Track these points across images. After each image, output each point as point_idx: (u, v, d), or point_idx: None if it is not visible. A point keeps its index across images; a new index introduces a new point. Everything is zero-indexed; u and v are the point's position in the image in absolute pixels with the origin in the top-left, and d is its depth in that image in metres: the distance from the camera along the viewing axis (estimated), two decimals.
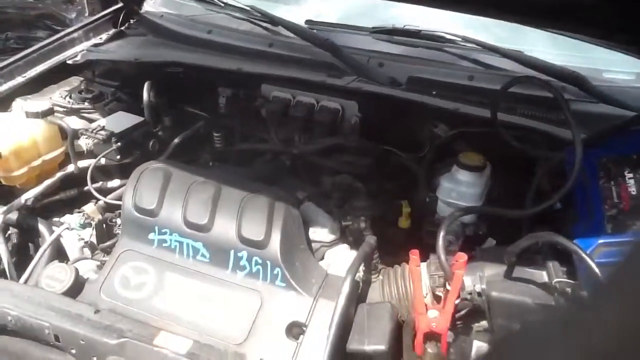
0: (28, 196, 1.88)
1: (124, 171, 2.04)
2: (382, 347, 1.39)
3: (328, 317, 1.45)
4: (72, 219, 1.79)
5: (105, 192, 1.98)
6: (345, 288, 1.45)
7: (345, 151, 2.00)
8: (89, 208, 1.85)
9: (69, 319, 1.48)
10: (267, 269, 1.56)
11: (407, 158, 1.97)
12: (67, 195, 1.99)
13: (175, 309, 1.56)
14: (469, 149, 1.87)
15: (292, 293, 1.53)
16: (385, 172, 2.01)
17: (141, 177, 1.76)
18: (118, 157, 1.95)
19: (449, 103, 1.91)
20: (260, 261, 1.57)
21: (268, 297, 1.53)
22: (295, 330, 1.49)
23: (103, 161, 2.00)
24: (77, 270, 1.62)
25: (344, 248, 1.72)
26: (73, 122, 2.05)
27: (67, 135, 1.96)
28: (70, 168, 2.00)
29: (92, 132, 1.92)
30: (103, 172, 2.08)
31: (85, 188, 1.93)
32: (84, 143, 1.92)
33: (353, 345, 1.42)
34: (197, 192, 1.70)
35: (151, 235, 1.67)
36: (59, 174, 1.98)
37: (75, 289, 1.60)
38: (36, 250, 1.83)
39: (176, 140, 2.09)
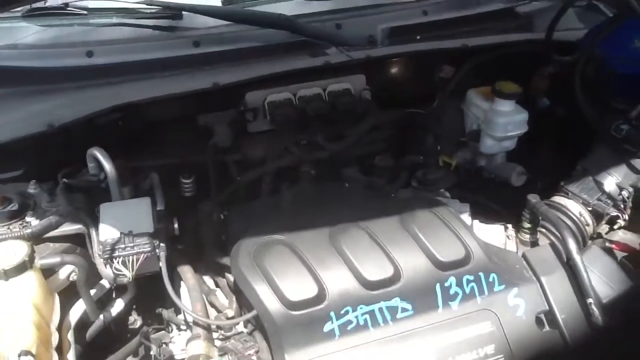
0: None
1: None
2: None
3: (565, 290, 1.36)
4: None
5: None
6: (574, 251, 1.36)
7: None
8: (196, 347, 1.23)
9: None
10: (481, 282, 1.33)
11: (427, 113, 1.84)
12: None
13: None
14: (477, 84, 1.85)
15: (515, 290, 1.35)
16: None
17: (264, 264, 1.26)
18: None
19: (453, 42, 1.82)
20: (472, 278, 1.33)
21: (499, 309, 1.32)
22: (546, 319, 1.35)
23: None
24: None
25: (480, 224, 1.58)
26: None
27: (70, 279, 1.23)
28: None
29: (124, 252, 1.23)
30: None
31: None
32: (119, 275, 1.22)
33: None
34: (350, 245, 1.31)
35: (328, 326, 1.23)
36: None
37: None
38: None
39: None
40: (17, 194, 1.39)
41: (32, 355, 1.01)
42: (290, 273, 1.26)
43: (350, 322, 1.25)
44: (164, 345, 1.44)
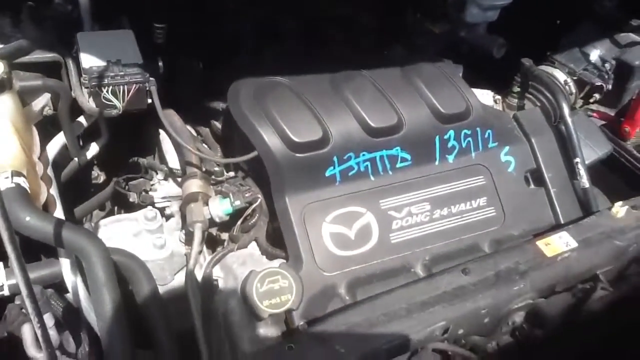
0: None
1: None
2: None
3: (552, 150, 1.40)
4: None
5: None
6: (567, 112, 1.38)
7: None
8: (193, 185, 1.16)
9: None
10: (477, 137, 1.34)
11: None
12: None
13: (421, 231, 1.24)
14: None
15: (506, 148, 1.37)
16: None
17: (267, 105, 1.19)
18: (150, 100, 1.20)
19: None
20: (469, 132, 1.33)
21: (491, 164, 1.34)
22: (533, 177, 1.39)
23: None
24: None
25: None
26: None
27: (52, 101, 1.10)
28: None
29: (114, 80, 1.10)
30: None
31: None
32: (102, 101, 1.10)
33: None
34: (354, 91, 1.26)
35: (330, 171, 1.20)
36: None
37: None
38: None
39: None
40: None
41: (24, 177, 0.91)
42: (294, 115, 1.20)
43: (352, 167, 1.22)
44: (143, 193, 1.37)
